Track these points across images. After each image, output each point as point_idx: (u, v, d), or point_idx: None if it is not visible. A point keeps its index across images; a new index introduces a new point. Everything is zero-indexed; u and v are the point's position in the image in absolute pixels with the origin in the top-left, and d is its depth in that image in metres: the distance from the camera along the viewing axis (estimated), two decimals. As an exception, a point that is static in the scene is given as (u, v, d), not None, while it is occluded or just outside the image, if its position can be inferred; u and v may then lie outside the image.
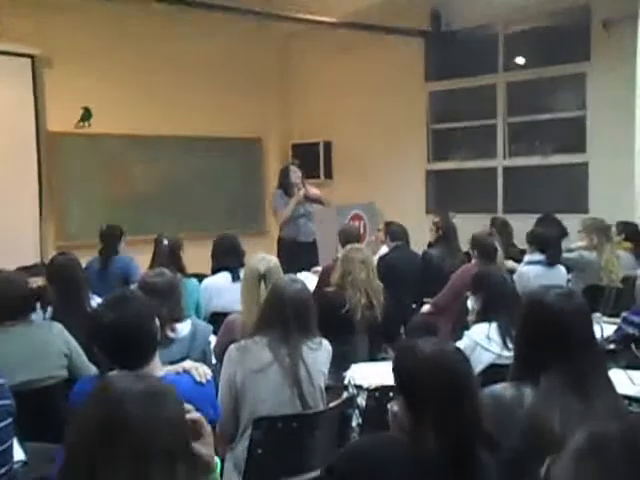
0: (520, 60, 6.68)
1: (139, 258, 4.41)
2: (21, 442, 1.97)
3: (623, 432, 0.77)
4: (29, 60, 6.04)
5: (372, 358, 3.51)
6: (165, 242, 4.01)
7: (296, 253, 5.44)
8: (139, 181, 6.76)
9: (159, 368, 1.95)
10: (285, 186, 5.71)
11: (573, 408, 1.53)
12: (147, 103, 6.58)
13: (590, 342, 1.69)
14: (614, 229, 4.79)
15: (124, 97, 6.45)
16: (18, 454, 1.90)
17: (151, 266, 3.78)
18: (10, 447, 1.82)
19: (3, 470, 1.74)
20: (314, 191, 5.89)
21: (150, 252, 4.09)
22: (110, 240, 4.67)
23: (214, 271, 3.99)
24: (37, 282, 2.96)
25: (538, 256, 4.32)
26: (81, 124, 6.40)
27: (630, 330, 2.96)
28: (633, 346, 2.77)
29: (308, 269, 4.94)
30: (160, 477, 1.04)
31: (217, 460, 1.38)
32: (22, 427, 1.91)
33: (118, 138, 6.55)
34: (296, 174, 5.71)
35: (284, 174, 5.78)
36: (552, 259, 4.24)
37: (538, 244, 4.32)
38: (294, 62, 7.85)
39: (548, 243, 4.32)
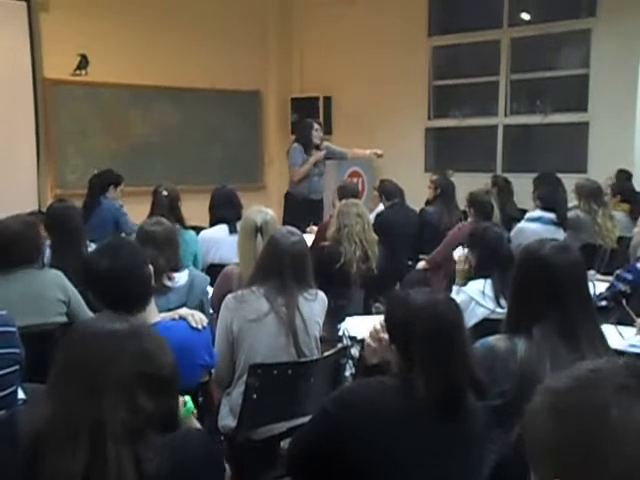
0: (525, 15, 6.54)
1: (137, 208, 4.40)
2: (21, 383, 2.01)
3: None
4: (24, 4, 5.89)
5: (367, 312, 3.55)
6: (164, 193, 3.99)
7: (303, 210, 5.44)
8: (137, 132, 6.69)
9: (155, 314, 1.97)
10: (306, 143, 5.60)
11: (564, 358, 1.56)
12: (145, 53, 6.45)
13: (583, 295, 1.71)
14: (609, 191, 4.78)
15: (122, 46, 6.32)
16: (19, 394, 1.95)
17: (150, 217, 3.77)
18: (14, 392, 1.87)
19: (3, 411, 1.79)
20: (335, 147, 5.87)
21: (147, 203, 4.07)
22: (95, 189, 4.67)
23: (212, 224, 4.00)
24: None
25: (538, 213, 4.33)
26: (78, 72, 6.29)
27: (622, 287, 2.99)
28: (624, 302, 2.80)
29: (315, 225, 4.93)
30: (114, 403, 1.08)
31: (187, 398, 1.42)
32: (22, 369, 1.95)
33: (115, 88, 6.45)
34: (318, 133, 5.64)
35: (305, 131, 5.65)
36: (561, 219, 4.26)
37: (547, 203, 4.32)
38: (295, 14, 7.67)
39: (557, 202, 4.33)
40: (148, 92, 6.66)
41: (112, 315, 1.26)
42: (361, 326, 2.90)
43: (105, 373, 1.10)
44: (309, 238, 4.14)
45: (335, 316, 2.87)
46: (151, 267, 1.97)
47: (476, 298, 2.78)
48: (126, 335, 1.15)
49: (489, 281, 2.81)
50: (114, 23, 6.24)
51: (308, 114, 6.75)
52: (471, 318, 2.63)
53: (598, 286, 3.16)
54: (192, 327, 2.02)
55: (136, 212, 4.39)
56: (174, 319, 2.05)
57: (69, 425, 1.07)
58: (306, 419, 1.69)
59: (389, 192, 4.94)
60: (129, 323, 1.21)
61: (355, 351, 2.74)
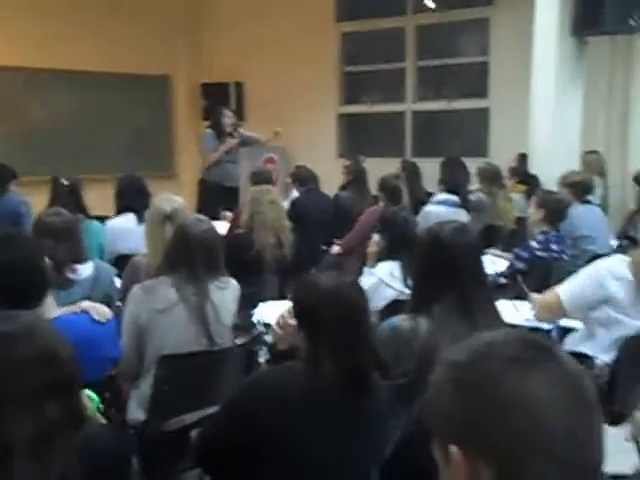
0: (429, 3, 6.71)
1: (34, 199, 4.17)
2: None
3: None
4: None
5: (283, 298, 3.55)
6: (65, 182, 3.81)
7: (218, 197, 5.44)
8: (34, 118, 6.34)
9: (54, 309, 1.89)
10: (218, 129, 5.65)
11: (463, 334, 1.63)
12: (40, 34, 6.09)
13: (478, 274, 1.80)
14: (506, 174, 5.04)
15: (14, 27, 5.94)
16: None
17: (49, 207, 3.59)
18: None
19: None
20: (249, 133, 5.91)
21: (45, 193, 3.87)
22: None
23: (119, 211, 3.86)
24: None
25: (444, 196, 4.50)
26: (-33, 54, 5.87)
27: (520, 265, 3.18)
28: (520, 278, 2.97)
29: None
30: (20, 420, 1.01)
31: (90, 393, 1.38)
32: None
33: (8, 71, 6.06)
34: (230, 119, 5.71)
35: (216, 117, 5.72)
36: (464, 201, 4.45)
37: (450, 186, 4.50)
38: (202, -4, 7.50)
39: (459, 185, 4.52)
40: (44, 76, 6.30)
41: (3, 313, 1.18)
42: (276, 312, 2.91)
43: (9, 387, 1.02)
44: (222, 225, 4.10)
45: (248, 303, 2.86)
46: (48, 260, 1.88)
47: (385, 280, 2.85)
48: (21, 337, 1.07)
49: (398, 263, 2.89)
50: (5, 3, 5.84)
51: (219, 100, 6.66)
52: (380, 299, 2.70)
53: (498, 263, 3.33)
54: (94, 320, 1.96)
55: (33, 202, 4.16)
56: (75, 313, 1.97)
57: None
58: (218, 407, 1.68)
59: (304, 178, 4.97)
60: (21, 321, 1.12)
61: (269, 337, 2.75)
